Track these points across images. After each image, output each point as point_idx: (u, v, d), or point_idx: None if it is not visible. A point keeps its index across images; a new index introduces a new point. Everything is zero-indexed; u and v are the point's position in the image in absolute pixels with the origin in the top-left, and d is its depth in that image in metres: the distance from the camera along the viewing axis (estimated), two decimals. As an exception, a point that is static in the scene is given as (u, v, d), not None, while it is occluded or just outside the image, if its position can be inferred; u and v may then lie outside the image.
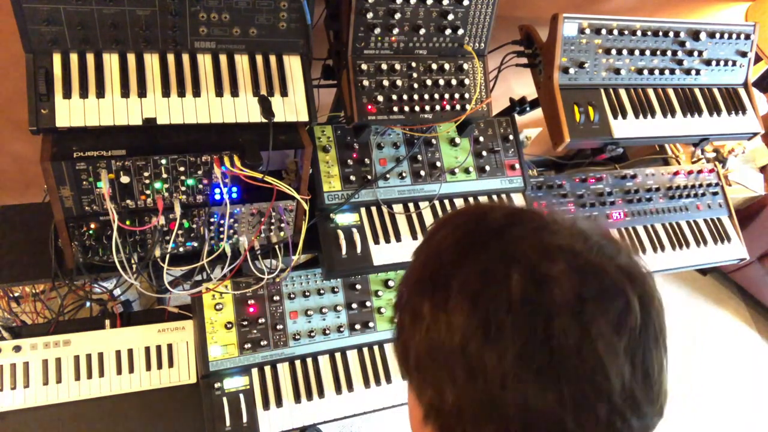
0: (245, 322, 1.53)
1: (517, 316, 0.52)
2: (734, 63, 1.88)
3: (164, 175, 1.29)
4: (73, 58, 1.20)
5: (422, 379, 0.59)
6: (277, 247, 1.50)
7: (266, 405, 1.51)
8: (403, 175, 1.63)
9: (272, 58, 1.35)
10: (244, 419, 1.47)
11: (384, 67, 1.43)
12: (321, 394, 1.57)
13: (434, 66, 1.48)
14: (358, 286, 1.67)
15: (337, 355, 1.64)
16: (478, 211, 0.67)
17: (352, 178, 1.56)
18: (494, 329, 0.52)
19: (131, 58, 1.24)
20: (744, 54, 1.89)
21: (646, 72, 1.78)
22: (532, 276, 0.53)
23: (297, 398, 1.55)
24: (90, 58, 1.21)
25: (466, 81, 1.50)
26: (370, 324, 1.67)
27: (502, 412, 0.52)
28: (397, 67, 1.45)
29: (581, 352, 0.50)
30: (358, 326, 1.64)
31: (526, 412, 0.51)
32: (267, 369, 1.55)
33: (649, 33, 1.74)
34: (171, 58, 1.27)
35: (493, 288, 0.54)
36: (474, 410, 0.54)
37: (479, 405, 0.53)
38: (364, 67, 1.42)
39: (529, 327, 0.51)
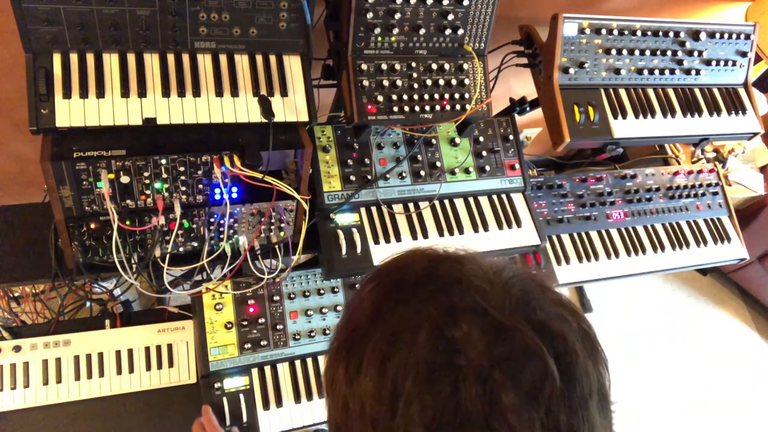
0: (245, 322, 1.53)
1: (423, 385, 0.48)
2: (734, 63, 1.88)
3: (164, 175, 1.29)
4: (73, 58, 1.19)
5: None
6: (277, 247, 1.50)
7: (266, 405, 1.51)
8: (403, 175, 1.63)
9: (272, 58, 1.35)
10: (244, 419, 1.47)
11: (384, 67, 1.43)
12: (321, 394, 1.57)
13: (434, 66, 1.48)
14: (358, 286, 1.67)
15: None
16: (400, 264, 0.62)
17: (352, 178, 1.56)
18: (401, 400, 0.49)
19: (131, 58, 1.24)
20: (744, 54, 1.89)
21: (646, 72, 1.78)
22: (438, 340, 0.49)
23: (297, 398, 1.55)
24: (90, 58, 1.21)
25: (466, 81, 1.50)
26: (370, 324, 1.67)
27: None
28: (397, 67, 1.44)
29: (491, 425, 0.46)
30: (358, 326, 1.64)
31: None
32: (267, 369, 1.55)
33: (649, 33, 1.74)
34: (171, 58, 1.27)
35: (401, 354, 0.50)
36: None
37: None
38: (364, 67, 1.42)
39: (434, 397, 0.47)
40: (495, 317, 0.50)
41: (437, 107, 1.48)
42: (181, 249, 1.44)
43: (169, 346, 1.55)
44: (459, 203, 1.70)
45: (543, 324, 0.51)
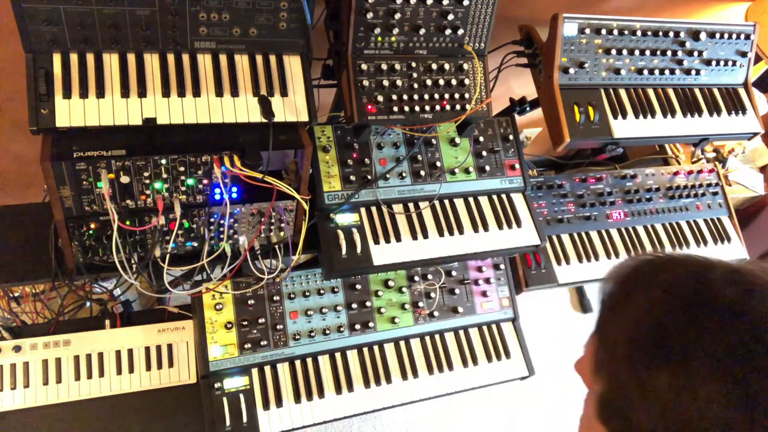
0: (245, 322, 1.53)
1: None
2: (734, 63, 1.88)
3: (164, 175, 1.29)
4: (73, 58, 1.19)
5: None
6: (277, 247, 1.50)
7: (266, 405, 1.52)
8: (403, 175, 1.63)
9: (272, 58, 1.35)
10: (244, 419, 1.47)
11: (384, 67, 1.43)
12: (321, 394, 1.57)
13: (434, 66, 1.47)
14: (358, 286, 1.67)
15: (337, 355, 1.64)
16: (696, 275, 0.63)
17: (352, 178, 1.56)
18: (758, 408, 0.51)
19: (131, 58, 1.24)
20: (744, 54, 1.89)
21: (646, 72, 1.78)
22: None
23: (297, 398, 1.55)
24: (90, 58, 1.21)
25: (466, 81, 1.50)
26: (370, 324, 1.67)
27: None
28: (397, 67, 1.44)
29: None
30: (358, 326, 1.64)
31: None
32: (267, 369, 1.55)
33: (649, 33, 1.74)
34: (171, 58, 1.27)
35: (757, 370, 0.53)
36: None
37: None
38: (364, 67, 1.42)
39: None
40: None
41: (437, 107, 1.48)
42: (181, 249, 1.44)
43: (169, 346, 1.55)
44: (459, 203, 1.70)
45: None
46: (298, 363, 1.59)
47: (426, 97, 1.47)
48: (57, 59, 1.18)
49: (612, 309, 0.68)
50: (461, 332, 1.82)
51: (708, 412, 0.53)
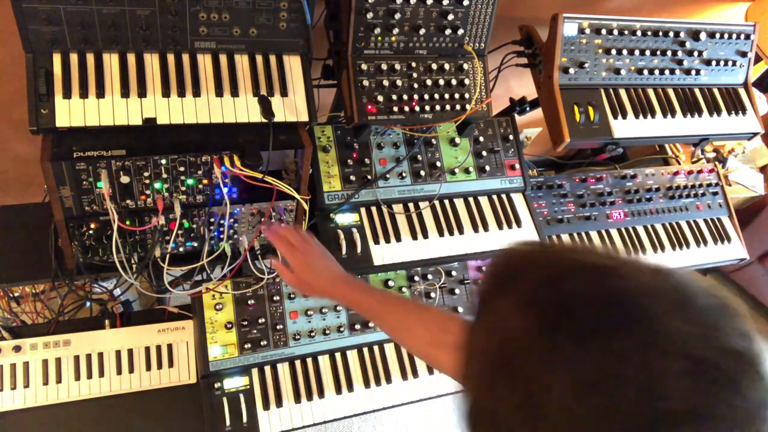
0: (245, 322, 1.53)
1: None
2: (734, 63, 1.88)
3: (164, 175, 1.29)
4: (73, 58, 1.20)
5: None
6: (277, 247, 1.50)
7: (266, 405, 1.51)
8: (403, 175, 1.63)
9: (272, 58, 1.35)
10: (244, 419, 1.47)
11: (384, 67, 1.43)
12: (321, 394, 1.57)
13: (434, 66, 1.48)
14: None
15: (337, 355, 1.64)
16: (552, 276, 0.53)
17: (352, 178, 1.56)
18: None
19: (131, 58, 1.24)
20: (744, 54, 1.89)
21: (646, 72, 1.78)
22: (642, 392, 0.44)
23: (297, 398, 1.55)
24: (90, 58, 1.21)
25: (466, 81, 1.50)
26: (370, 324, 1.67)
27: None
28: (397, 67, 1.44)
29: None
30: (358, 326, 1.64)
31: None
32: (267, 369, 1.55)
33: (649, 33, 1.74)
34: (171, 58, 1.27)
35: (599, 408, 0.44)
36: None
37: None
38: (364, 67, 1.42)
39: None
40: (694, 355, 0.45)
41: (437, 107, 1.48)
42: (181, 249, 1.44)
43: (169, 346, 1.55)
44: (459, 203, 1.70)
45: (736, 349, 0.46)
46: (298, 363, 1.59)
47: (426, 97, 1.47)
48: (57, 59, 1.18)
49: (478, 310, 0.59)
50: (461, 332, 1.82)
51: None
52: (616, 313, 0.47)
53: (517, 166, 1.76)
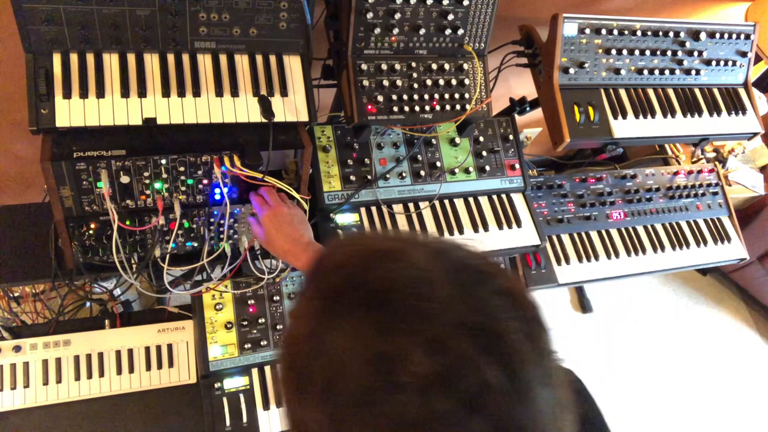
0: (245, 322, 1.53)
1: (365, 409, 0.48)
2: (734, 63, 1.88)
3: (164, 175, 1.29)
4: (73, 58, 1.19)
5: None
6: (277, 247, 1.50)
7: (266, 405, 1.51)
8: (403, 175, 1.63)
9: (272, 58, 1.35)
10: (244, 419, 1.47)
11: (384, 67, 1.43)
12: (321, 394, 1.57)
13: (434, 66, 1.48)
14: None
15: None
16: (337, 262, 0.59)
17: (352, 178, 1.56)
18: (344, 427, 0.49)
19: (131, 58, 1.24)
20: (744, 54, 1.89)
21: (646, 72, 1.78)
22: (374, 361, 0.49)
23: (297, 398, 1.54)
24: (90, 58, 1.21)
25: (466, 81, 1.50)
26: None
27: None
28: (397, 67, 1.44)
29: None
30: (358, 326, 1.64)
31: None
32: (267, 369, 1.55)
33: (649, 33, 1.74)
34: (171, 58, 1.27)
35: (341, 380, 0.49)
36: None
37: None
38: (364, 67, 1.42)
39: (376, 419, 0.48)
40: (427, 330, 0.49)
41: (437, 107, 1.48)
42: (181, 249, 1.44)
43: (169, 346, 1.55)
44: (459, 203, 1.70)
45: (480, 327, 0.49)
46: (298, 363, 1.59)
47: (426, 97, 1.47)
48: (57, 59, 1.18)
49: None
50: (461, 332, 1.82)
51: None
52: (371, 293, 0.52)
53: (517, 166, 1.76)
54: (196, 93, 1.26)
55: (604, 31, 1.69)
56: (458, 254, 0.57)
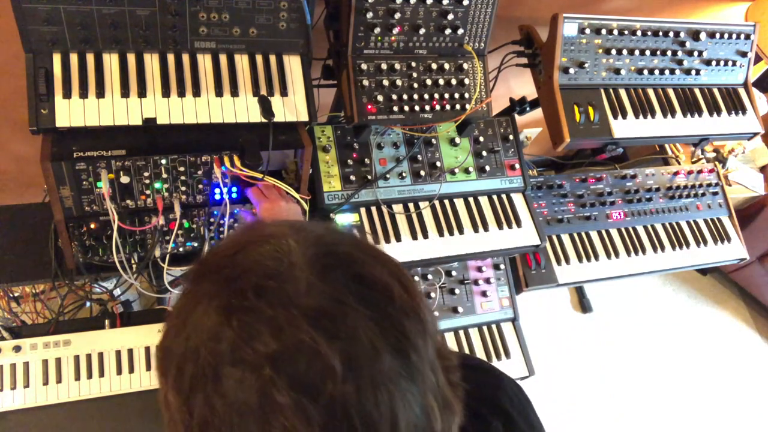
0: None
1: (211, 388, 0.49)
2: (734, 63, 1.88)
3: (164, 175, 1.29)
4: (73, 58, 1.19)
5: None
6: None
7: (266, 405, 1.51)
8: (403, 175, 1.63)
9: (272, 58, 1.35)
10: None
11: (384, 66, 1.43)
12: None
13: (434, 66, 1.48)
14: None
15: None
16: (214, 250, 0.61)
17: (352, 178, 1.56)
18: (194, 406, 0.50)
19: (131, 58, 1.24)
20: (744, 54, 1.89)
21: (646, 72, 1.78)
22: (217, 342, 0.49)
23: (297, 398, 1.54)
24: (90, 58, 1.21)
25: (466, 81, 1.50)
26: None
27: None
28: (397, 66, 1.45)
29: (268, 423, 0.46)
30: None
31: None
32: (267, 369, 1.55)
33: (649, 33, 1.75)
34: (171, 58, 1.27)
35: (195, 360, 0.50)
36: None
37: None
38: (364, 67, 1.42)
39: (220, 399, 0.48)
40: (275, 312, 0.49)
41: (437, 107, 1.48)
42: (181, 249, 1.44)
43: (169, 346, 1.54)
44: (459, 203, 1.70)
45: (325, 312, 0.49)
46: (298, 363, 1.59)
47: (426, 96, 1.47)
48: (57, 59, 1.18)
49: None
50: (461, 332, 1.82)
51: (174, 415, 0.52)
52: (229, 274, 0.54)
53: (517, 166, 1.76)
54: (196, 93, 1.27)
55: (604, 31, 1.69)
56: (333, 239, 0.57)
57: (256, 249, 0.55)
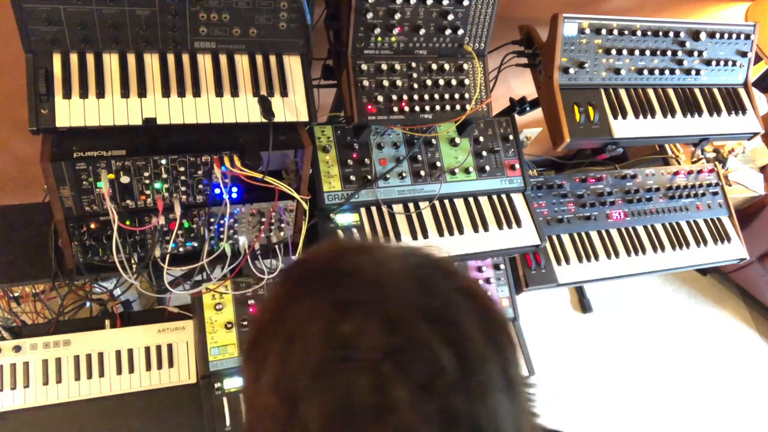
0: (245, 322, 1.53)
1: (318, 382, 0.48)
2: (734, 63, 1.88)
3: (164, 175, 1.29)
4: (73, 58, 1.19)
5: None
6: (277, 247, 1.50)
7: (266, 405, 1.51)
8: (403, 175, 1.63)
9: (272, 59, 1.35)
10: (245, 419, 1.47)
11: (384, 67, 1.43)
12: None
13: (434, 66, 1.47)
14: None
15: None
16: (309, 257, 0.64)
17: (352, 178, 1.56)
18: (299, 398, 0.48)
19: (131, 58, 1.24)
20: (744, 54, 1.89)
21: (646, 72, 1.78)
22: (330, 335, 0.49)
23: (297, 398, 1.54)
24: (90, 58, 1.21)
25: (466, 81, 1.50)
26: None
27: None
28: (397, 67, 1.44)
29: (383, 419, 0.45)
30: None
31: None
32: (267, 369, 1.55)
33: (649, 33, 1.74)
34: (171, 58, 1.27)
35: (297, 352, 0.50)
36: None
37: None
38: (364, 67, 1.42)
39: (329, 393, 0.47)
40: (386, 310, 0.49)
41: (437, 107, 1.48)
42: (181, 249, 1.44)
43: (169, 346, 1.54)
44: (459, 203, 1.70)
45: (437, 313, 0.50)
46: (298, 363, 1.59)
47: (426, 97, 1.47)
48: (57, 59, 1.18)
49: None
50: (461, 332, 1.82)
51: (267, 402, 0.52)
52: (336, 277, 0.55)
53: (517, 166, 1.76)
54: (196, 93, 1.26)
55: (604, 31, 1.69)
56: (424, 254, 0.58)
57: (357, 256, 0.57)
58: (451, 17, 1.42)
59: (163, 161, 1.27)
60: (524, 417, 0.52)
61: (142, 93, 1.22)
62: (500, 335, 0.53)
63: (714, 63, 1.85)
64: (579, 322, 2.97)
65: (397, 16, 1.37)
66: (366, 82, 1.41)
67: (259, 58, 1.34)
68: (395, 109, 1.44)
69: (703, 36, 1.79)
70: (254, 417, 0.54)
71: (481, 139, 1.73)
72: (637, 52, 1.74)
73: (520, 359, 0.55)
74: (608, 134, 1.71)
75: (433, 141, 1.67)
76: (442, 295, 0.52)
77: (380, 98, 1.42)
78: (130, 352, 1.52)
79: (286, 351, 0.51)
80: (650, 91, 1.81)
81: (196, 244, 1.44)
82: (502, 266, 1.90)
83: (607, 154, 1.82)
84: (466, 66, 1.51)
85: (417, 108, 1.46)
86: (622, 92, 1.78)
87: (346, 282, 0.53)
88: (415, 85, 1.46)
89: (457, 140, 1.68)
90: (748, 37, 1.87)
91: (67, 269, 1.37)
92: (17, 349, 1.45)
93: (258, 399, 0.53)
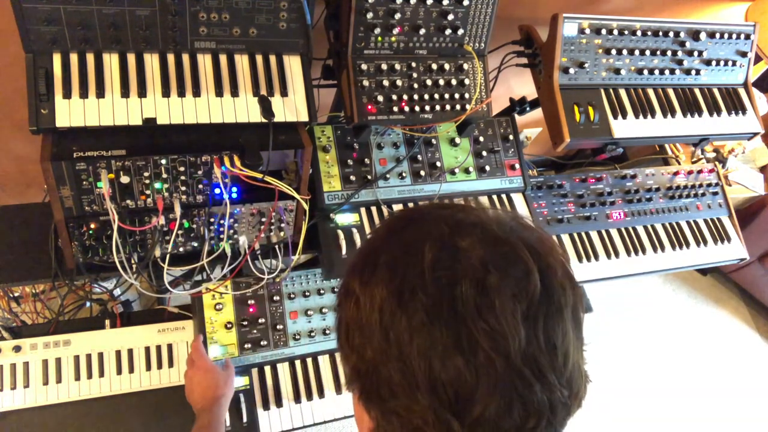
0: (245, 322, 1.53)
1: (427, 282, 0.57)
2: (734, 63, 1.88)
3: (164, 175, 1.29)
4: (73, 58, 1.19)
5: (349, 347, 0.63)
6: (277, 247, 1.50)
7: (266, 405, 1.51)
8: (403, 175, 1.63)
9: (272, 58, 1.35)
10: (244, 419, 1.47)
11: (384, 67, 1.43)
12: (321, 394, 1.57)
13: (434, 66, 1.48)
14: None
15: (338, 355, 1.64)
16: (413, 207, 0.71)
17: (352, 178, 1.56)
18: (407, 294, 0.57)
19: (131, 58, 1.24)
20: (744, 54, 1.89)
21: (646, 72, 1.78)
22: (443, 247, 0.59)
23: (297, 398, 1.55)
24: (90, 58, 1.21)
25: (466, 81, 1.50)
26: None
27: (409, 363, 0.56)
28: (397, 67, 1.44)
29: (481, 313, 0.55)
30: (358, 326, 1.64)
31: (428, 360, 0.55)
32: (267, 369, 1.55)
33: (649, 33, 1.74)
34: (171, 58, 1.27)
35: (410, 259, 0.59)
36: (386, 366, 0.58)
37: (390, 359, 0.57)
38: (364, 67, 1.42)
39: (436, 291, 0.56)
40: (495, 232, 0.60)
41: (437, 107, 1.48)
42: (181, 249, 1.44)
43: (169, 346, 1.55)
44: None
45: (532, 246, 0.60)
46: (298, 363, 1.59)
47: (426, 97, 1.47)
48: (57, 59, 1.18)
49: None
50: (461, 332, 1.82)
51: (374, 298, 0.60)
52: (447, 214, 0.65)
53: (517, 166, 1.76)
54: (196, 93, 1.27)
55: (604, 31, 1.69)
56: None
57: (460, 210, 0.66)
58: (451, 17, 1.42)
59: (163, 161, 1.27)
60: (582, 356, 0.61)
61: (142, 93, 1.22)
62: (575, 283, 0.62)
63: (714, 63, 1.85)
64: (579, 322, 2.96)
65: (397, 16, 1.37)
66: (366, 82, 1.41)
67: (259, 58, 1.34)
68: (395, 109, 1.44)
69: (703, 36, 1.79)
70: (359, 313, 0.61)
71: (481, 139, 1.73)
72: (637, 52, 1.74)
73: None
74: (608, 134, 1.71)
75: (433, 141, 1.67)
76: (537, 234, 0.63)
77: (380, 98, 1.42)
78: (130, 352, 1.52)
79: (398, 260, 0.60)
80: (650, 91, 1.81)
81: (196, 244, 1.44)
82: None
83: (607, 154, 1.82)
84: (466, 66, 1.51)
85: (417, 108, 1.46)
86: (622, 92, 1.78)
87: (459, 213, 0.64)
88: (415, 85, 1.46)
89: (457, 140, 1.68)
90: (748, 37, 1.87)
91: (67, 269, 1.37)
92: (17, 349, 1.45)
93: (365, 298, 0.60)
